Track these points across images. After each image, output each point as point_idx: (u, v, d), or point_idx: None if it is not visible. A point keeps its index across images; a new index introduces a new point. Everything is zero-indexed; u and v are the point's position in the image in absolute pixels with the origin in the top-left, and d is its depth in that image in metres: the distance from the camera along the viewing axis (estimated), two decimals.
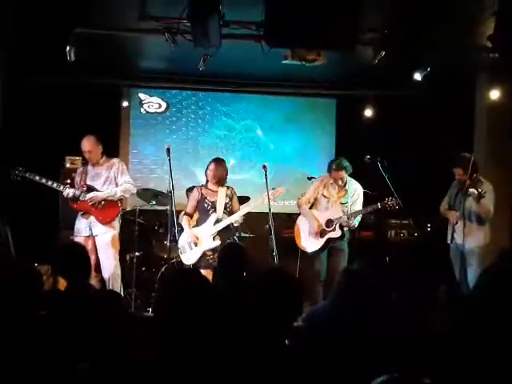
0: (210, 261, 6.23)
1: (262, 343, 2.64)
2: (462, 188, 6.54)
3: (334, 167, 6.55)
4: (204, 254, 6.29)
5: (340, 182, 6.55)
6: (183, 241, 6.35)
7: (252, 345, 2.64)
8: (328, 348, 2.93)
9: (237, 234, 7.19)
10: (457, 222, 6.51)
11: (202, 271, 6.07)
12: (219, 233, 6.31)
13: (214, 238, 6.30)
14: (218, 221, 6.32)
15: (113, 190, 6.41)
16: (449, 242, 6.62)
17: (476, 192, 6.21)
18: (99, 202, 6.35)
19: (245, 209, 6.49)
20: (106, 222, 6.37)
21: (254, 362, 2.54)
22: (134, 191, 6.76)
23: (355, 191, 6.61)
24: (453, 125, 8.08)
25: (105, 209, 6.37)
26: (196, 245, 6.30)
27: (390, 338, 3.02)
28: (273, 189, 6.35)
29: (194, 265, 6.29)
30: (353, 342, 2.96)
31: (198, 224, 6.48)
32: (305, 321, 3.36)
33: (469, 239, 6.44)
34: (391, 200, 6.34)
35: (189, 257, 6.34)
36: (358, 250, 6.97)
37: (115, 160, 6.62)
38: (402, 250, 7.55)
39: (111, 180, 6.46)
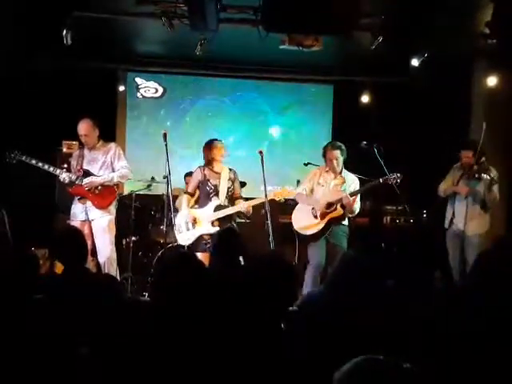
0: (208, 245, 6.24)
1: (258, 327, 2.65)
2: (467, 172, 6.49)
3: (329, 147, 6.53)
4: (201, 238, 6.30)
5: (335, 163, 6.44)
6: (180, 220, 6.35)
7: (248, 328, 2.65)
8: (323, 333, 2.95)
9: (236, 220, 7.21)
10: (466, 196, 6.44)
11: (199, 255, 6.09)
12: (219, 219, 6.32)
13: (213, 224, 6.31)
14: (218, 207, 6.32)
15: (110, 175, 6.39)
16: (446, 226, 6.60)
17: (489, 177, 6.20)
18: (96, 187, 6.33)
19: (254, 200, 6.45)
20: (103, 207, 6.36)
21: (250, 346, 2.55)
22: (131, 176, 6.74)
23: (353, 182, 6.55)
24: (450, 111, 8.07)
25: (101, 194, 6.36)
26: (194, 226, 6.32)
27: (386, 325, 3.03)
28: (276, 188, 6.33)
29: (190, 247, 6.30)
30: (348, 327, 2.98)
31: (198, 204, 6.48)
32: (301, 305, 3.37)
33: (471, 224, 6.42)
34: (393, 175, 6.25)
35: (184, 237, 6.36)
36: (354, 236, 6.94)
37: (112, 144, 6.57)
38: (398, 236, 7.57)
39: (108, 165, 6.44)
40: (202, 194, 6.44)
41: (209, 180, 6.37)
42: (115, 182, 6.43)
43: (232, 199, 6.42)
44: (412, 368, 1.60)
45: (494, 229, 6.74)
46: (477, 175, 6.31)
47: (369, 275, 3.33)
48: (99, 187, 6.34)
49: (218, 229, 6.19)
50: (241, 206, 6.36)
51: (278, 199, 6.44)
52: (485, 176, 6.24)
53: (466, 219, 6.40)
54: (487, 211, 6.53)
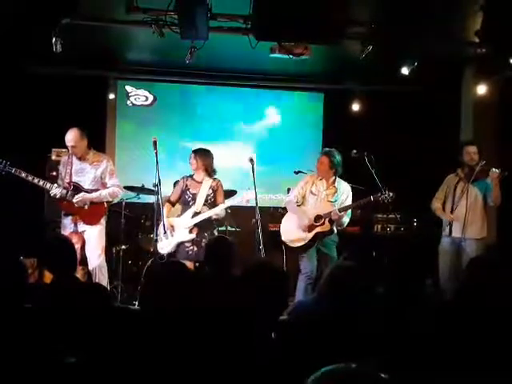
0: (190, 252, 6.26)
1: (248, 336, 2.64)
2: (468, 173, 6.41)
3: (322, 152, 6.58)
4: (182, 245, 6.31)
5: (321, 168, 6.47)
6: (160, 229, 6.36)
7: (238, 337, 2.63)
8: (314, 342, 2.93)
9: (224, 228, 7.20)
10: (466, 201, 6.36)
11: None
12: (196, 225, 6.32)
13: (190, 231, 6.31)
14: (195, 214, 6.33)
15: (102, 193, 6.30)
16: (446, 233, 6.50)
17: (497, 171, 6.16)
18: (85, 203, 6.27)
19: (223, 205, 6.45)
20: (92, 223, 6.30)
21: (240, 355, 2.54)
22: (121, 195, 6.67)
23: (344, 191, 6.54)
24: (440, 119, 8.11)
25: (91, 210, 6.27)
26: (172, 234, 6.33)
27: (376, 332, 3.02)
28: (248, 189, 6.33)
29: (171, 255, 6.30)
30: (339, 335, 2.97)
31: (179, 215, 6.49)
32: (292, 314, 3.36)
33: (470, 230, 6.35)
34: (383, 194, 6.25)
35: (163, 246, 6.38)
36: (345, 245, 6.94)
37: (104, 158, 6.46)
38: (389, 244, 7.57)
39: (98, 180, 6.35)
40: (183, 203, 6.49)
41: (189, 189, 6.44)
42: (106, 200, 6.38)
43: (213, 207, 6.41)
44: (383, 377, 1.57)
45: (488, 236, 6.72)
46: (480, 175, 6.25)
47: (359, 283, 3.32)
48: (88, 203, 6.28)
49: (194, 236, 6.23)
50: (214, 210, 6.36)
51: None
52: (494, 170, 6.16)
53: (464, 224, 6.32)
54: (487, 212, 6.47)
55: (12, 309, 3.01)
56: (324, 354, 2.70)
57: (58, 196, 6.21)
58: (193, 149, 6.69)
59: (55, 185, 6.26)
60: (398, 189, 6.41)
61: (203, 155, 6.50)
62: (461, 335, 2.79)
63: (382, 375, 1.56)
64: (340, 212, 6.32)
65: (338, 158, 6.47)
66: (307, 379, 1.59)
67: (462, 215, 6.36)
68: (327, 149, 6.68)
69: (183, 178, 6.56)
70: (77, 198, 6.20)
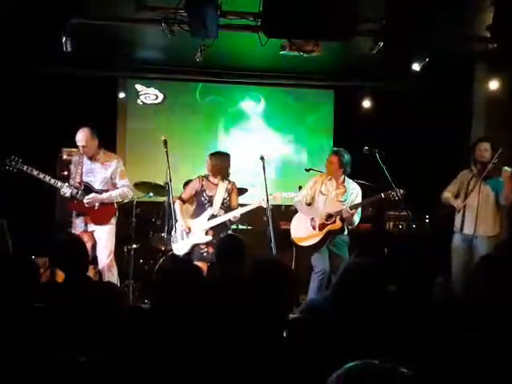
0: (204, 254, 6.26)
1: (259, 334, 2.63)
2: (480, 170, 6.32)
3: (332, 151, 6.59)
4: (197, 247, 6.31)
5: (331, 168, 6.47)
6: (177, 231, 6.36)
7: (249, 336, 2.62)
8: (326, 340, 2.92)
9: (232, 228, 7.19)
10: (459, 211, 6.35)
11: (197, 263, 6.11)
12: (212, 228, 6.31)
13: (206, 233, 6.31)
14: (212, 216, 6.33)
15: (112, 193, 6.31)
16: (457, 231, 6.42)
17: (509, 170, 6.08)
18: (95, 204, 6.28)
19: (241, 210, 6.44)
20: (102, 223, 6.31)
21: (251, 354, 2.53)
22: (131, 196, 6.68)
23: (354, 190, 6.53)
24: (451, 115, 8.06)
25: (101, 211, 6.28)
26: (188, 236, 6.32)
27: (389, 331, 3.00)
28: (270, 194, 6.32)
29: (187, 256, 6.29)
30: (351, 333, 2.95)
31: (193, 216, 6.48)
32: (304, 312, 3.35)
33: (482, 227, 6.27)
34: (394, 191, 6.22)
35: (179, 247, 6.39)
36: (356, 242, 6.92)
37: (114, 159, 6.47)
38: (401, 241, 7.54)
39: (108, 180, 6.36)
40: (198, 204, 6.47)
41: (205, 191, 6.40)
42: (116, 200, 6.39)
43: (228, 210, 6.41)
44: (408, 372, 1.57)
45: (500, 233, 6.66)
46: (492, 172, 6.18)
47: (371, 281, 3.30)
48: (99, 203, 6.28)
49: (210, 238, 6.22)
50: (231, 214, 6.35)
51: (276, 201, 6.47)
52: (506, 168, 6.07)
53: (476, 221, 6.25)
54: (499, 210, 6.38)
55: (24, 308, 3.02)
56: (336, 352, 2.68)
57: (67, 195, 6.22)
58: (210, 152, 6.64)
59: (66, 184, 6.27)
60: (409, 186, 6.38)
61: (219, 158, 6.48)
62: (470, 334, 2.76)
63: (406, 371, 1.56)
64: (351, 210, 6.30)
65: (347, 157, 6.46)
66: (329, 377, 1.58)
67: (474, 212, 6.29)
68: (336, 148, 6.71)
69: (199, 177, 6.51)
70: (88, 199, 6.21)
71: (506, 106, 7.77)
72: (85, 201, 6.21)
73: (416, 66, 6.93)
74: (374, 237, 7.97)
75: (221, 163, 6.44)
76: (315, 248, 6.44)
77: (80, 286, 3.72)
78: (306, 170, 7.30)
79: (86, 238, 6.10)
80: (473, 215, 6.30)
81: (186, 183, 6.99)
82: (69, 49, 6.32)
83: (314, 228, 6.44)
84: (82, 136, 6.25)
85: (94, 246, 6.27)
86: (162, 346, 2.56)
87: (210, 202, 6.38)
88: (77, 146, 6.37)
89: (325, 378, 1.64)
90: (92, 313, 3.13)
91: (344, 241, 6.50)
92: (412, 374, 1.57)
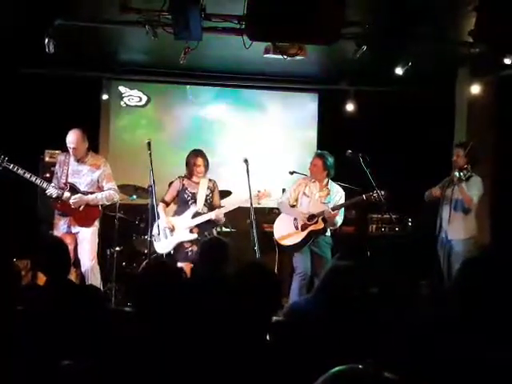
0: (189, 253, 6.24)
1: (242, 338, 2.63)
2: (453, 176, 6.45)
3: (316, 154, 6.61)
4: (181, 246, 6.28)
5: (314, 170, 6.49)
6: (158, 228, 6.32)
7: (232, 339, 2.62)
8: (310, 342, 2.92)
9: (217, 229, 7.18)
10: (450, 201, 6.44)
11: (181, 264, 6.12)
12: (198, 225, 6.30)
13: (191, 231, 6.29)
14: (196, 214, 6.31)
15: (98, 196, 6.29)
16: (437, 233, 6.55)
17: (458, 175, 6.22)
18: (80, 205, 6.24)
19: (226, 207, 6.45)
20: (85, 225, 6.27)
21: (234, 357, 2.52)
22: (117, 199, 6.66)
23: (337, 193, 6.57)
24: (434, 119, 8.12)
25: (85, 212, 6.26)
26: (172, 234, 6.29)
27: (371, 333, 3.01)
28: (258, 191, 6.33)
29: (171, 256, 6.28)
30: (334, 336, 2.96)
31: (176, 215, 6.46)
32: (287, 315, 3.35)
33: (453, 230, 6.41)
34: (375, 192, 6.30)
35: (163, 245, 6.34)
36: (339, 245, 6.94)
37: (101, 162, 6.45)
38: (384, 245, 7.58)
39: (94, 183, 6.34)
40: (180, 202, 6.46)
41: (187, 188, 6.40)
42: (101, 203, 6.35)
43: (211, 208, 6.41)
44: (392, 377, 1.58)
45: (478, 233, 6.74)
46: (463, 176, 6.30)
47: (354, 284, 3.31)
48: (84, 205, 6.24)
49: (196, 236, 6.21)
50: (215, 212, 6.33)
51: (260, 201, 6.45)
52: (455, 174, 6.28)
53: (449, 224, 6.40)
54: (468, 214, 6.50)
55: (5, 311, 2.99)
56: (319, 354, 2.69)
57: (54, 196, 6.18)
58: (190, 150, 6.63)
59: (52, 184, 6.23)
60: (392, 189, 6.42)
61: (204, 156, 6.48)
62: (452, 336, 2.78)
63: (390, 376, 1.57)
64: (333, 211, 6.34)
65: (331, 160, 6.51)
66: (314, 382, 1.59)
67: (447, 216, 6.43)
68: (320, 151, 6.74)
69: (179, 177, 6.52)
70: (74, 199, 6.18)
71: (488, 110, 7.84)
72: (71, 201, 6.17)
73: (399, 70, 6.97)
74: (357, 239, 8.00)
75: (205, 160, 6.45)
76: (297, 248, 6.47)
77: (62, 289, 3.70)
78: (289, 172, 7.31)
79: (68, 239, 6.05)
80: (446, 219, 6.43)
81: (171, 183, 7.00)
82: (52, 50, 6.27)
83: (296, 228, 6.48)
84: (73, 137, 6.21)
85: (75, 248, 6.22)
86: (145, 348, 2.55)
87: (194, 198, 6.36)
88: (59, 148, 6.33)
89: (309, 383, 1.64)
90: (74, 316, 3.11)
91: (327, 242, 6.54)
92: (396, 379, 1.58)
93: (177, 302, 2.84)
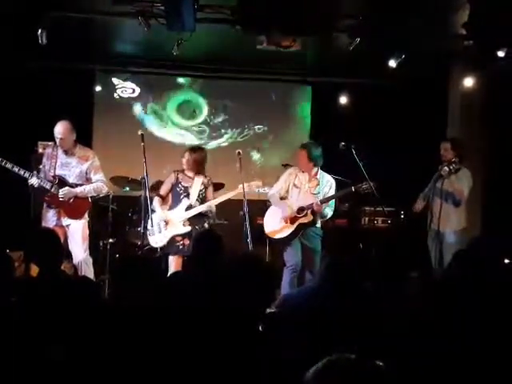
0: (180, 247, 6.24)
1: (235, 329, 2.63)
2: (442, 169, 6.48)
3: (300, 145, 6.61)
4: (173, 240, 6.29)
5: (304, 162, 6.47)
6: (153, 222, 6.32)
7: (225, 331, 2.63)
8: (303, 334, 2.93)
9: (211, 222, 7.18)
10: (441, 195, 6.49)
11: (172, 257, 6.14)
12: (190, 219, 6.31)
13: (184, 224, 6.30)
14: (189, 207, 6.32)
15: (86, 188, 6.26)
16: (428, 227, 6.60)
17: (447, 169, 6.27)
18: (70, 198, 6.23)
19: (219, 199, 6.46)
20: (75, 218, 6.26)
21: (227, 349, 2.53)
22: (105, 191, 6.63)
23: (327, 183, 6.57)
24: (427, 112, 8.12)
25: (75, 204, 6.24)
26: (166, 228, 6.30)
27: (364, 325, 3.03)
28: (253, 181, 6.35)
29: (163, 250, 6.28)
30: (328, 328, 2.97)
31: (170, 209, 6.47)
32: (279, 307, 3.36)
33: (444, 222, 6.43)
34: (365, 184, 6.30)
35: (157, 239, 6.34)
36: (332, 238, 6.95)
37: (90, 154, 6.41)
38: (376, 237, 7.60)
39: (82, 175, 6.31)
40: (174, 196, 6.45)
41: (180, 182, 6.40)
42: (90, 195, 6.34)
43: (204, 203, 6.41)
44: (384, 366, 1.59)
45: (470, 226, 6.78)
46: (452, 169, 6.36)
47: (352, 279, 3.33)
48: (73, 197, 6.23)
49: (189, 229, 6.22)
50: (209, 203, 6.35)
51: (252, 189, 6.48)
52: (444, 168, 6.32)
53: (440, 217, 6.42)
54: (459, 207, 6.54)
55: None
56: (312, 345, 2.70)
57: (35, 185, 6.12)
58: (185, 144, 6.64)
59: (34, 172, 6.18)
60: (385, 181, 6.43)
61: (198, 153, 6.48)
62: (444, 326, 2.80)
63: (381, 364, 1.58)
64: (321, 203, 6.34)
65: (316, 150, 6.47)
66: (308, 371, 1.60)
67: (438, 209, 6.45)
68: (304, 142, 6.74)
69: (174, 171, 6.51)
70: (63, 191, 6.16)
71: (480, 103, 7.86)
72: (59, 194, 6.15)
73: (392, 63, 6.98)
74: (349, 232, 8.02)
75: (199, 158, 6.44)
76: (287, 241, 6.47)
77: (55, 281, 3.70)
78: (283, 165, 7.31)
79: (58, 232, 6.03)
80: (436, 212, 6.45)
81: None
82: (44, 41, 6.25)
83: (285, 221, 6.48)
84: (60, 128, 6.17)
85: (65, 241, 6.20)
86: (137, 341, 2.56)
87: (186, 192, 6.36)
88: (53, 140, 6.30)
89: (302, 373, 1.65)
90: (67, 307, 3.11)
91: (316, 233, 6.54)
92: (387, 368, 1.59)
93: (169, 295, 2.84)
